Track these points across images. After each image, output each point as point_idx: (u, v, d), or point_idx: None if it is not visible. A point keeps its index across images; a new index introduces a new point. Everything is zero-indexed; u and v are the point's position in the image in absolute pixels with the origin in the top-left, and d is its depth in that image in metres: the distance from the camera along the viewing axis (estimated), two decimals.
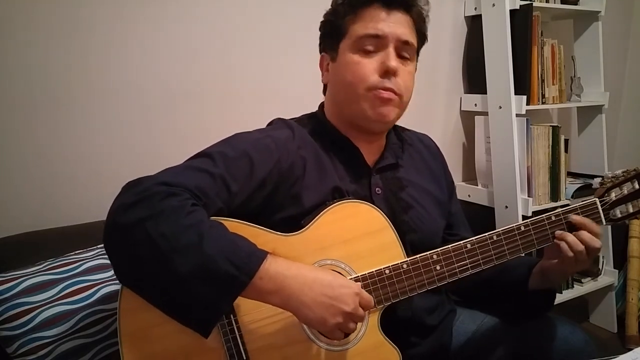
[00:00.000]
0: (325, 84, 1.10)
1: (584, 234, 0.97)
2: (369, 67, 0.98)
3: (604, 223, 1.04)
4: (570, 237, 0.98)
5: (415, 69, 1.08)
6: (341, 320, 0.81)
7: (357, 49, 0.99)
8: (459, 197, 2.06)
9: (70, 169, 1.37)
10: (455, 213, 1.22)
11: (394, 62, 0.98)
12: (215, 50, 1.54)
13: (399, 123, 1.19)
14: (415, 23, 1.04)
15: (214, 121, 1.55)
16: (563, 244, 0.98)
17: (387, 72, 0.97)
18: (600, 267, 2.21)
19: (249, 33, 1.59)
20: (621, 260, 2.26)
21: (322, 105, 1.12)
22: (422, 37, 1.08)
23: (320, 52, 1.10)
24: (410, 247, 1.01)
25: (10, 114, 1.28)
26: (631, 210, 1.04)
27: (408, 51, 1.01)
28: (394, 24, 0.99)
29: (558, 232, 0.99)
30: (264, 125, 1.09)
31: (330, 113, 1.08)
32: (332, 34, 1.04)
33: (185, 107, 1.52)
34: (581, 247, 0.97)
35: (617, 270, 2.23)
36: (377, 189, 1.05)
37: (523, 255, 1.01)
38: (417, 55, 1.09)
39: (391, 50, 0.98)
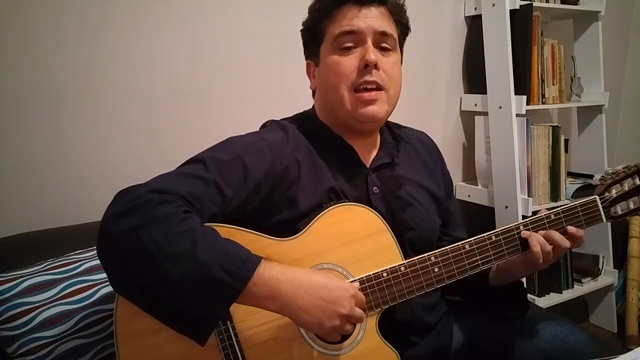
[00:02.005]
0: (313, 90, 1.10)
1: (555, 235, 0.98)
2: (349, 64, 0.98)
3: (604, 220, 1.03)
4: (540, 239, 0.97)
5: (401, 61, 1.07)
6: (338, 322, 0.81)
7: (336, 48, 0.99)
8: (458, 197, 2.09)
9: (71, 169, 1.37)
10: (452, 212, 1.22)
11: (372, 54, 0.96)
12: (217, 50, 1.54)
13: (398, 121, 1.19)
14: (393, 14, 1.03)
15: (215, 121, 1.56)
16: (536, 248, 0.97)
17: (367, 66, 0.97)
18: (600, 267, 2.21)
19: (251, 33, 1.59)
20: (621, 260, 2.26)
21: (313, 104, 1.12)
22: (403, 28, 1.06)
23: (306, 60, 1.10)
24: (409, 245, 1.01)
25: (11, 113, 1.28)
26: (632, 207, 1.03)
27: (388, 42, 1.00)
28: (370, 18, 0.98)
29: (525, 233, 0.99)
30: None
31: (322, 115, 1.08)
32: (312, 41, 1.05)
33: (186, 107, 1.52)
34: (548, 248, 0.97)
35: (617, 270, 2.23)
36: (374, 188, 1.04)
37: (520, 254, 1.00)
38: (402, 47, 1.08)
39: (369, 44, 0.97)
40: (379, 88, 0.98)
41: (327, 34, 1.01)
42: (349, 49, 0.98)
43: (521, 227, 0.99)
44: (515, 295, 1.11)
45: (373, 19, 0.98)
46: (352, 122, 1.02)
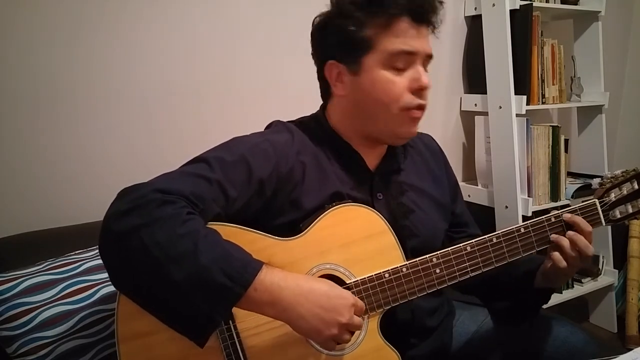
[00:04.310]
0: (339, 95, 1.01)
1: (579, 240, 0.96)
2: (401, 86, 0.95)
3: (604, 224, 1.03)
4: (565, 242, 0.97)
5: None
6: (336, 331, 0.81)
7: (389, 65, 0.95)
8: None
9: (71, 169, 1.37)
10: (462, 213, 1.21)
11: (426, 79, 0.96)
12: (216, 51, 1.54)
13: None
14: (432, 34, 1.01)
15: (215, 121, 1.56)
16: (556, 254, 0.96)
17: (420, 90, 0.96)
18: (600, 267, 2.21)
19: (250, 33, 1.59)
20: (621, 260, 2.26)
21: (323, 108, 1.08)
22: None
23: (325, 59, 1.00)
24: (411, 252, 1.00)
25: (11, 113, 1.28)
26: (630, 211, 1.04)
27: (428, 64, 1.00)
28: (423, 39, 0.96)
29: (554, 237, 0.98)
30: (264, 125, 1.08)
31: (337, 122, 1.04)
32: (350, 44, 0.95)
33: (186, 107, 1.52)
34: (574, 254, 0.96)
35: (617, 270, 2.23)
36: (378, 194, 1.03)
37: (522, 256, 1.00)
38: None
39: (420, 66, 0.97)
40: (422, 109, 0.99)
41: (378, 46, 0.94)
42: (400, 69, 0.96)
43: (522, 230, 0.99)
44: (543, 298, 1.09)
45: (424, 40, 0.97)
46: (389, 138, 1.01)
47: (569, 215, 0.99)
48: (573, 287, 2.14)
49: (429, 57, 0.99)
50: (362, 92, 0.97)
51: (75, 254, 1.14)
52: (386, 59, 0.94)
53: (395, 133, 0.99)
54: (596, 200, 1.03)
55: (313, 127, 1.05)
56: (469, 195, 2.08)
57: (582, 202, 1.04)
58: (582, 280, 2.17)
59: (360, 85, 0.97)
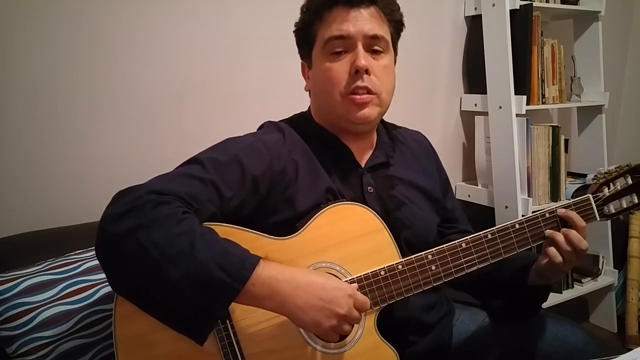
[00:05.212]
0: (308, 91, 1.10)
1: (573, 235, 0.97)
2: (340, 71, 0.98)
3: (598, 219, 1.03)
4: (560, 237, 0.97)
5: (395, 61, 1.07)
6: (335, 322, 0.81)
7: (327, 53, 0.99)
8: (458, 197, 2.09)
9: (71, 169, 1.37)
10: (452, 208, 1.22)
11: (363, 60, 0.96)
12: (219, 51, 1.54)
13: (398, 120, 1.19)
14: (384, 13, 1.01)
15: (217, 122, 1.56)
16: (551, 249, 0.97)
17: (357, 72, 0.96)
18: (600, 267, 2.21)
19: (253, 33, 1.59)
20: (621, 260, 2.26)
21: (310, 106, 1.12)
22: (396, 25, 1.05)
23: (301, 60, 1.10)
24: (405, 244, 1.01)
25: (12, 113, 1.28)
26: (625, 206, 1.04)
27: (379, 44, 1.00)
28: (360, 22, 0.97)
29: (548, 232, 0.99)
30: None
31: (317, 116, 1.08)
32: (304, 43, 1.06)
33: (188, 107, 1.52)
34: (569, 248, 0.96)
35: (617, 270, 2.23)
36: (369, 187, 1.05)
37: (517, 252, 1.00)
38: (395, 46, 1.07)
39: (360, 48, 0.97)
40: (370, 92, 0.98)
41: (318, 37, 1.01)
42: (339, 53, 0.98)
43: (517, 226, 1.00)
44: (541, 296, 1.09)
45: (363, 22, 0.97)
46: (346, 124, 1.02)
47: (563, 210, 1.00)
48: (573, 287, 2.14)
49: (371, 37, 0.98)
50: (314, 83, 1.05)
51: (75, 254, 1.14)
52: (324, 48, 1.00)
53: (347, 118, 1.00)
54: (590, 195, 1.03)
55: (302, 124, 1.07)
56: (469, 195, 2.08)
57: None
58: (582, 280, 2.17)
59: (313, 77, 1.05)
